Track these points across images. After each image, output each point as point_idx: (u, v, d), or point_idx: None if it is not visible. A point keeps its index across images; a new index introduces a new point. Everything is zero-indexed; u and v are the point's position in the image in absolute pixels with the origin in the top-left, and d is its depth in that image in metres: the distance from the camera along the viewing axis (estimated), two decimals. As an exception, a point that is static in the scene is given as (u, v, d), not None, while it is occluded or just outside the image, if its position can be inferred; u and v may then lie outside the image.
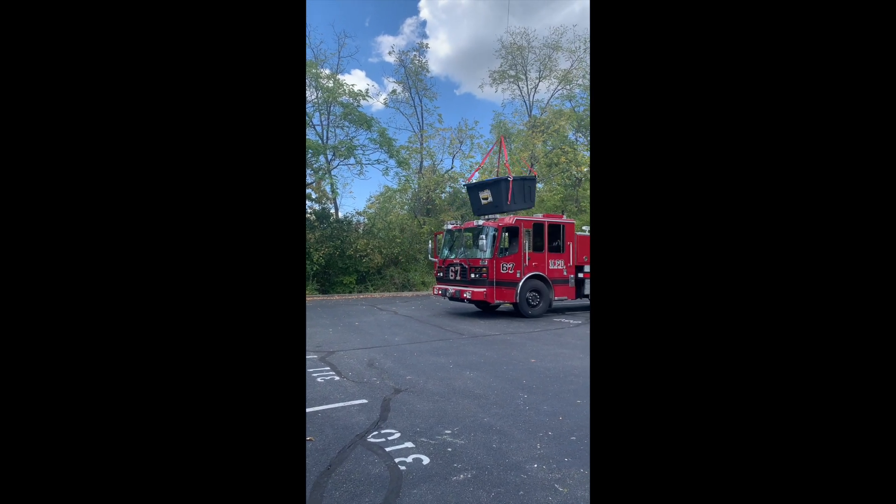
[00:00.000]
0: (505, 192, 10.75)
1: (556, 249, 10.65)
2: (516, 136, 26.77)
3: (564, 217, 11.36)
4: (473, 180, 13.98)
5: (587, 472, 2.76)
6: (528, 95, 27.81)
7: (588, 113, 28.30)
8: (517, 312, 10.24)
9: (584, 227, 12.07)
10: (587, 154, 24.11)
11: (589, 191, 26.82)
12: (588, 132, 29.40)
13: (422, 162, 24.06)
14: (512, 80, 27.00)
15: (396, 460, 2.95)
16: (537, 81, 27.20)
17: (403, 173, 22.71)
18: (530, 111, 27.84)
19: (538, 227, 10.42)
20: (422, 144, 24.09)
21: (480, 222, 10.50)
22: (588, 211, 24.48)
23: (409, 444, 3.20)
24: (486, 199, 11.22)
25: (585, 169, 25.15)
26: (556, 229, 10.67)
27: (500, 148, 14.23)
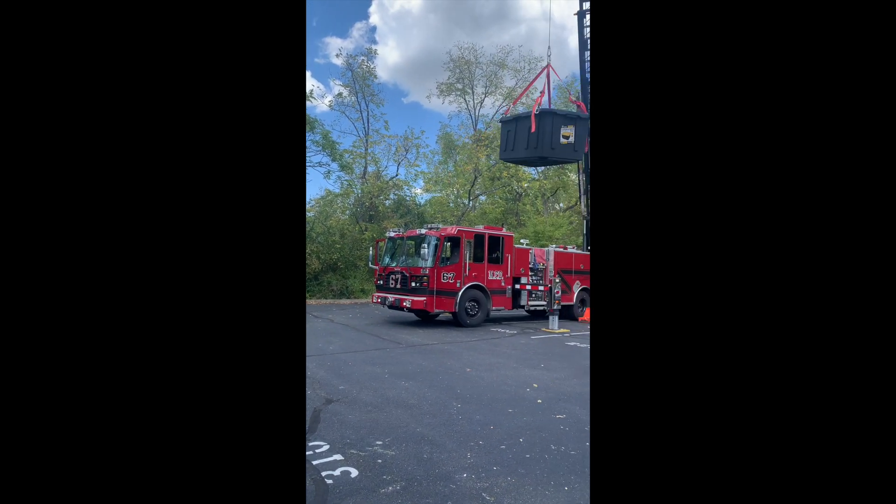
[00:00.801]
0: (585, 133, 8.79)
1: (496, 261, 10.90)
2: (461, 148, 27.24)
3: (504, 230, 11.68)
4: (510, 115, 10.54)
5: (514, 480, 2.81)
6: (474, 109, 28.48)
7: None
8: (456, 322, 10.32)
9: (522, 241, 12.47)
10: (528, 170, 25.01)
11: (528, 206, 27.83)
12: (529, 149, 30.49)
13: (366, 167, 23.77)
14: (459, 93, 27.55)
15: (323, 474, 2.84)
16: (483, 96, 27.95)
17: (346, 178, 22.31)
18: (475, 125, 28.50)
19: (479, 238, 10.62)
20: (367, 150, 23.83)
21: (423, 231, 10.53)
22: (527, 225, 25.37)
23: (338, 457, 3.10)
24: (568, 137, 8.90)
25: (526, 184, 26.06)
26: (496, 241, 10.93)
27: (547, 79, 11.08)
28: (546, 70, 11.24)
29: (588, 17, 12.17)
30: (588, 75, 13.25)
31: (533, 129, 9.26)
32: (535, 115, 9.39)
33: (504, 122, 10.33)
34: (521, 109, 11.73)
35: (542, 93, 10.39)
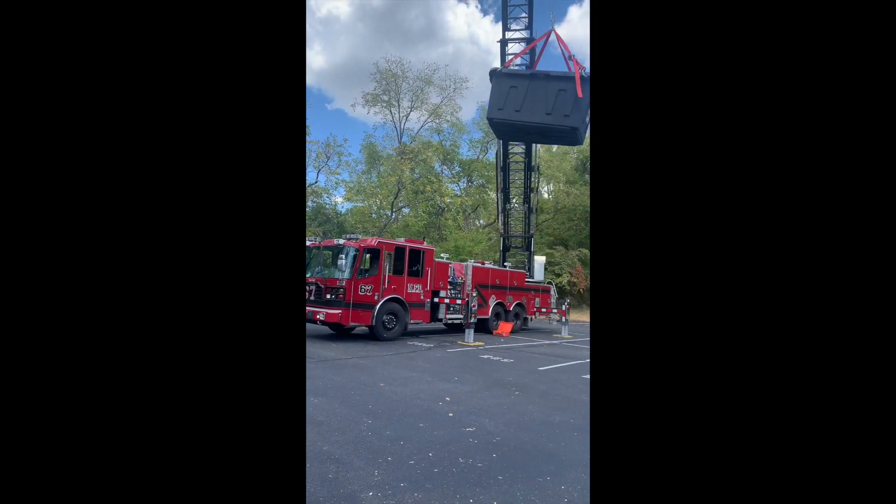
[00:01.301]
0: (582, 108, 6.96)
1: (416, 274, 10.93)
2: (385, 159, 27.15)
3: (425, 243, 11.78)
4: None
5: (421, 496, 2.81)
6: (400, 122, 28.64)
7: (453, 148, 30.24)
8: (372, 336, 10.14)
9: (442, 255, 12.67)
10: (451, 186, 25.62)
11: (450, 220, 28.41)
12: (452, 165, 31.32)
13: (284, 173, 22.72)
14: (385, 104, 27.55)
15: (214, 502, 2.61)
16: (409, 110, 28.23)
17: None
18: (400, 138, 28.63)
19: (400, 250, 10.60)
20: (286, 154, 22.81)
21: (341, 241, 10.26)
22: (448, 239, 25.84)
23: (233, 483, 2.87)
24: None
25: (448, 199, 26.63)
26: (416, 254, 10.98)
27: (561, 43, 9.26)
28: (550, 34, 9.49)
29: (509, 45, 12.87)
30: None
31: (580, 95, 7.47)
32: (583, 78, 7.46)
33: (506, 74, 8.17)
34: (518, 65, 8.85)
35: (573, 58, 8.21)
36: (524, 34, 12.57)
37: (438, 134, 29.35)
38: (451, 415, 4.63)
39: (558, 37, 9.46)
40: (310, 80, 38.46)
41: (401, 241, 11.03)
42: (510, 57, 9.06)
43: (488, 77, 8.58)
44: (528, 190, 16.30)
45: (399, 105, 27.91)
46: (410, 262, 10.78)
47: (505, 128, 8.02)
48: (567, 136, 8.19)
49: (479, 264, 13.42)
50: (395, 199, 26.01)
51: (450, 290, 11.89)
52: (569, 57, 8.65)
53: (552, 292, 15.82)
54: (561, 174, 30.27)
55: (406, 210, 28.43)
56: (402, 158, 24.69)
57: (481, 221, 32.01)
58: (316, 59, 45.65)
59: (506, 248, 17.44)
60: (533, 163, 15.92)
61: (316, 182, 23.79)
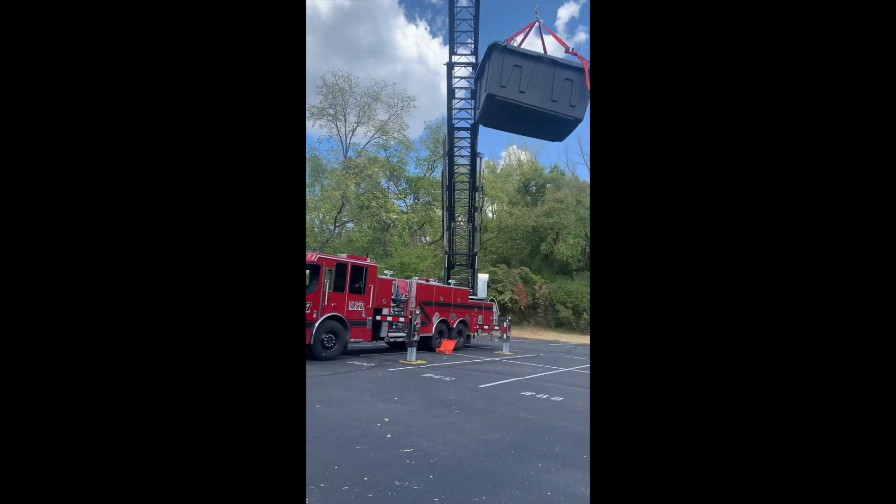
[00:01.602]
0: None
1: (357, 291, 10.73)
2: (330, 173, 26.68)
3: (369, 259, 11.62)
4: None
5: (353, 523, 2.71)
6: (345, 137, 28.32)
7: (400, 165, 30.33)
8: (310, 355, 9.77)
9: (386, 271, 12.55)
10: (398, 203, 25.60)
11: (396, 237, 28.29)
12: (399, 182, 31.35)
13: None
14: (330, 118, 27.17)
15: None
16: (355, 125, 28.01)
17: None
18: (346, 152, 28.28)
19: (341, 267, 10.37)
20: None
21: (280, 256, 9.86)
22: (394, 255, 25.67)
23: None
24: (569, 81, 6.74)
25: (394, 216, 26.55)
26: (359, 271, 10.79)
27: (551, 35, 8.80)
28: (534, 26, 8.97)
29: (455, 69, 13.23)
30: (455, 122, 14.31)
31: (588, 87, 7.25)
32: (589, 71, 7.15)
33: (511, 51, 7.54)
34: (524, 46, 8.14)
35: (574, 51, 8.08)
36: (470, 59, 13.00)
37: (385, 150, 29.35)
38: (389, 436, 4.55)
39: (549, 30, 8.82)
40: (252, 88, 37.08)
41: (343, 256, 10.81)
42: (517, 41, 7.94)
43: (486, 51, 7.79)
44: (473, 209, 16.65)
45: (345, 119, 27.66)
46: (352, 278, 10.58)
47: (502, 108, 7.40)
48: (563, 129, 7.91)
49: (424, 281, 13.42)
50: (339, 213, 25.52)
51: (393, 307, 11.77)
52: (567, 50, 8.40)
53: (495, 309, 16.12)
54: (504, 195, 31.22)
55: (350, 225, 27.94)
56: (347, 173, 24.36)
57: (427, 238, 32.12)
58: (260, 67, 44.25)
59: (450, 266, 17.61)
60: (478, 182, 16.32)
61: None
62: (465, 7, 12.19)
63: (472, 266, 17.25)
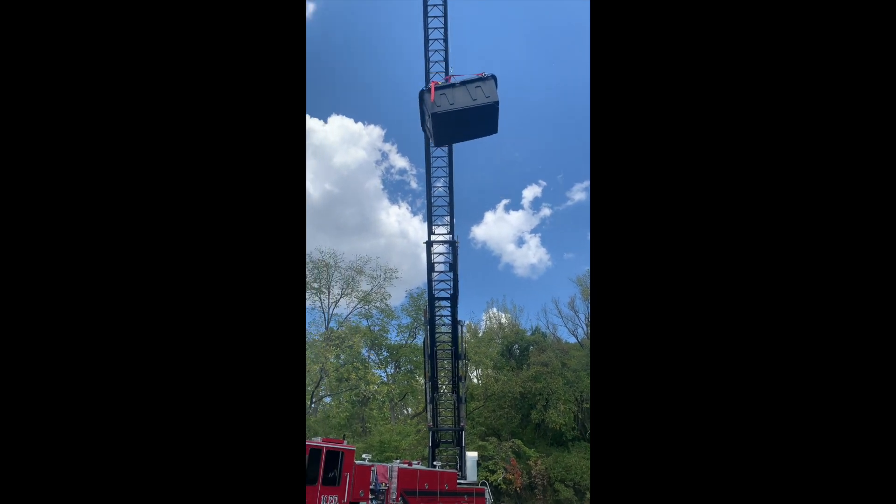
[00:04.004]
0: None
1: (331, 482, 9.47)
2: (310, 345, 26.22)
3: (345, 442, 10.58)
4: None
5: None
6: (328, 309, 28.73)
7: (382, 333, 30.24)
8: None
9: (364, 455, 11.33)
10: (378, 373, 24.69)
11: (375, 410, 26.45)
12: (380, 351, 30.80)
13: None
14: (315, 291, 27.94)
15: None
16: (339, 297, 28.70)
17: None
18: (328, 323, 28.34)
19: (315, 453, 9.34)
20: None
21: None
22: (373, 433, 23.59)
23: None
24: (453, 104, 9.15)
25: (374, 387, 25.28)
26: (334, 457, 9.71)
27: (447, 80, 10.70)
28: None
29: (434, 246, 14.34)
30: (435, 293, 14.87)
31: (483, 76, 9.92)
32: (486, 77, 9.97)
33: (435, 89, 10.21)
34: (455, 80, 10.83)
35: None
36: (447, 237, 14.21)
37: (367, 319, 29.57)
38: None
39: (436, 85, 11.01)
40: (240, 265, 38.91)
41: (317, 440, 9.83)
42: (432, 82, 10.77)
43: (418, 98, 10.57)
44: (457, 378, 16.08)
45: (329, 292, 28.49)
46: (326, 466, 9.43)
47: (445, 121, 9.85)
48: (491, 116, 10.07)
49: (406, 465, 12.07)
50: (316, 388, 24.23)
51: (371, 500, 10.27)
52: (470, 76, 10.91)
53: (487, 495, 14.28)
54: (488, 359, 30.67)
55: (328, 399, 26.29)
56: (327, 344, 23.95)
57: (409, 410, 30.12)
58: (250, 246, 47.21)
59: (435, 444, 16.12)
60: (460, 350, 16.12)
61: (229, 370, 21.87)
62: (441, 196, 13.85)
63: (459, 443, 15.83)
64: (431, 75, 12.77)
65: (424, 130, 10.74)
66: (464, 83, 10.10)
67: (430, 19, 12.63)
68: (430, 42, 12.72)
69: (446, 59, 12.41)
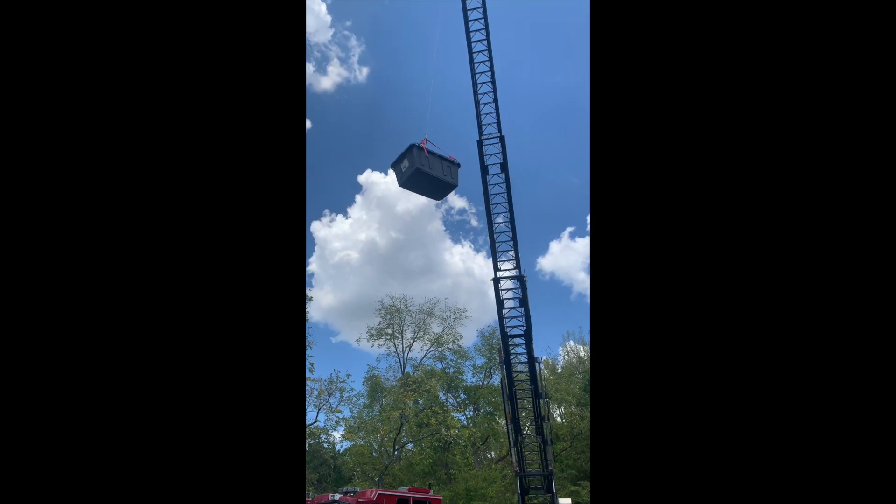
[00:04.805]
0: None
1: (421, 535, 9.24)
2: (388, 391, 26.54)
3: (431, 491, 10.37)
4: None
5: None
6: (403, 353, 29.12)
7: (457, 374, 29.94)
8: None
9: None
10: (457, 416, 24.26)
11: (458, 456, 25.80)
12: (457, 393, 30.40)
13: (282, 412, 21.78)
14: (388, 337, 28.53)
15: None
16: (412, 341, 29.05)
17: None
18: (403, 368, 28.64)
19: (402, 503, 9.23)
20: (286, 393, 22.33)
21: (337, 497, 9.02)
22: (457, 479, 22.92)
23: None
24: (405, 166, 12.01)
25: (455, 431, 24.79)
26: (421, 508, 9.52)
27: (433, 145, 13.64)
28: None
29: (502, 282, 14.20)
30: (508, 330, 14.58)
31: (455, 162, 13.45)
32: (455, 163, 13.40)
33: (423, 149, 13.14)
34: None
35: (451, 156, 13.37)
36: (513, 272, 14.04)
37: (441, 362, 29.49)
38: None
39: (427, 149, 13.55)
40: (317, 316, 41.30)
41: (404, 490, 9.74)
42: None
43: (408, 147, 13.16)
44: (540, 419, 15.33)
45: (402, 337, 28.93)
46: (415, 518, 9.25)
47: (420, 178, 12.73)
48: (446, 190, 13.68)
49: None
50: (398, 434, 24.22)
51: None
52: (446, 155, 13.99)
53: (587, 547, 13.10)
54: (571, 396, 29.07)
55: (410, 446, 26.11)
56: (405, 390, 24.07)
57: (492, 454, 29.04)
58: (325, 297, 49.82)
59: (524, 491, 15.26)
60: (540, 389, 15.46)
61: (315, 422, 22.56)
62: (503, 231, 13.83)
63: (549, 489, 14.87)
64: (484, 127, 14.93)
65: (395, 168, 13.03)
66: (442, 159, 13.28)
67: (477, 75, 14.58)
68: (480, 96, 14.72)
69: (497, 110, 14.34)
